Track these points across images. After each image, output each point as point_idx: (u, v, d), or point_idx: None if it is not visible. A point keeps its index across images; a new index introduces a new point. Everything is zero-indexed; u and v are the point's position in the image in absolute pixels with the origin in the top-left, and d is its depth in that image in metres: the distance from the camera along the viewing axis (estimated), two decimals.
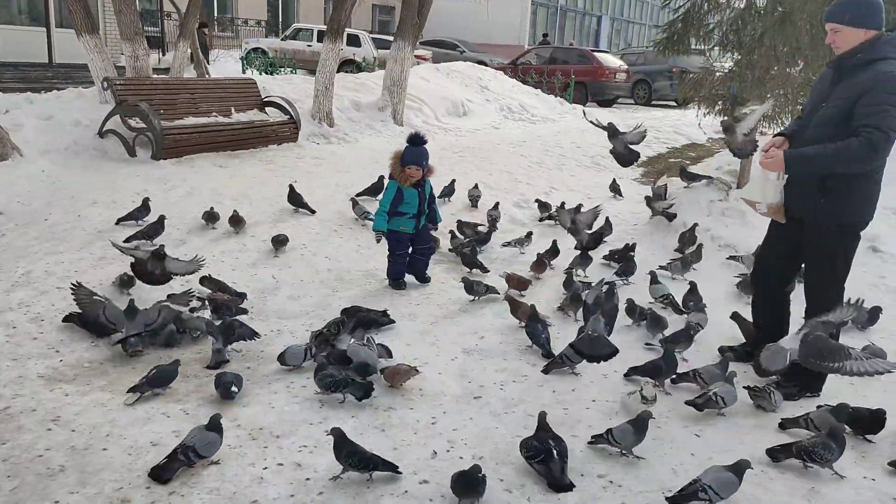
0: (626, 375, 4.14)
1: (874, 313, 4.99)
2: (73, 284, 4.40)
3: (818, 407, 3.71)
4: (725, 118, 6.60)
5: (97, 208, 6.60)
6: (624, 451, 3.33)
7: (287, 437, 3.36)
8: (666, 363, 4.00)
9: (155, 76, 10.63)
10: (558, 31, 41.47)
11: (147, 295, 4.81)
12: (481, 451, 3.34)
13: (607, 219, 7.10)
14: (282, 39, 24.54)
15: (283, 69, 17.64)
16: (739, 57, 7.20)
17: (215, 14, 27.66)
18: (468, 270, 5.88)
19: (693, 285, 5.26)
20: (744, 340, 4.60)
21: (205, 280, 5.06)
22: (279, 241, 5.95)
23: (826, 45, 3.89)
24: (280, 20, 32.08)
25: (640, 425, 3.29)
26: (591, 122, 6.04)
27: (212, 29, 24.51)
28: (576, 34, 44.00)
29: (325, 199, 7.51)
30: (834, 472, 3.25)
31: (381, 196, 5.59)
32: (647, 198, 7.42)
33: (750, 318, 4.60)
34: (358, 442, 3.33)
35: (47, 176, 7.28)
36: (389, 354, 4.19)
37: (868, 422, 3.55)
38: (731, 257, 6.15)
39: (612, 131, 5.91)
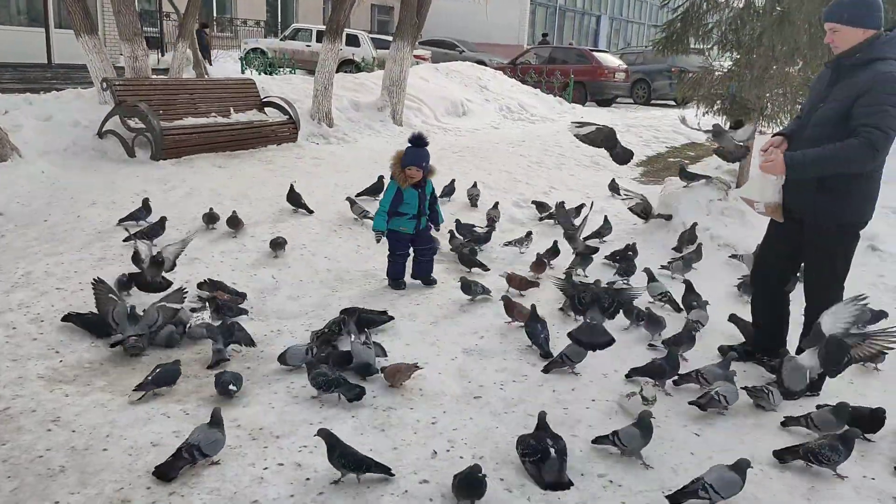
0: (627, 376, 4.13)
1: (878, 316, 4.98)
2: (94, 280, 4.41)
3: (818, 406, 3.71)
4: (716, 123, 6.65)
5: (96, 209, 6.61)
6: (631, 455, 3.30)
7: (287, 438, 3.36)
8: (668, 364, 4.00)
9: (154, 77, 10.64)
10: (557, 31, 41.49)
11: (146, 296, 4.81)
12: (481, 451, 3.34)
13: (606, 218, 7.11)
14: (281, 40, 24.56)
15: (282, 69, 17.65)
16: (738, 56, 7.20)
17: (214, 14, 27.66)
18: (467, 270, 5.89)
19: (689, 284, 5.26)
20: (743, 340, 4.60)
21: (203, 284, 5.05)
22: (277, 244, 5.89)
23: (824, 45, 3.89)
24: (279, 20, 32.10)
25: (645, 427, 3.28)
26: (579, 136, 6.09)
27: (211, 29, 24.50)
28: (575, 34, 44.03)
29: (325, 199, 7.51)
30: (835, 472, 3.25)
31: (381, 196, 5.59)
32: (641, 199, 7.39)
33: (747, 319, 4.60)
34: (358, 442, 3.34)
35: (47, 177, 7.28)
36: (384, 353, 4.19)
37: (868, 421, 3.55)
38: (733, 256, 6.15)
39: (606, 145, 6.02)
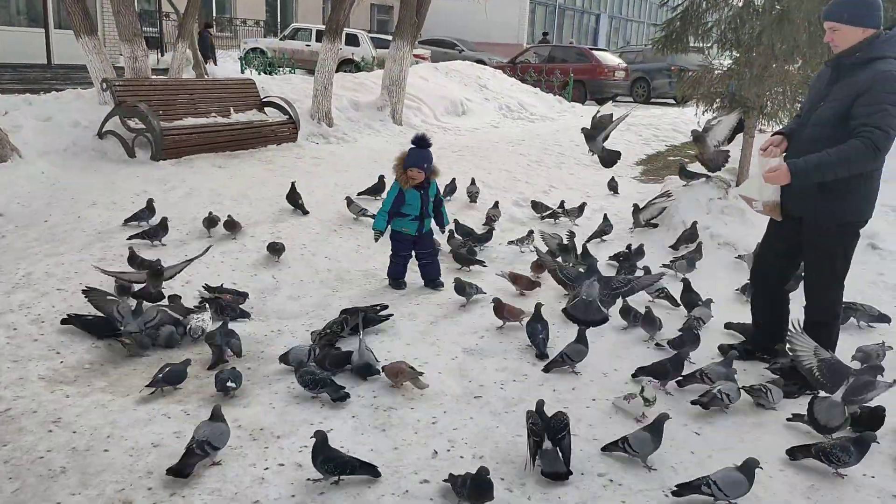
0: (634, 375, 4.13)
1: (881, 319, 4.99)
2: (85, 289, 4.44)
3: None
4: (695, 129, 6.73)
5: (97, 209, 6.61)
6: (645, 463, 3.29)
7: (288, 438, 3.37)
8: (672, 365, 4.00)
9: (154, 77, 10.64)
10: (557, 30, 41.47)
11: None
12: (482, 451, 3.35)
13: (605, 216, 7.12)
14: (280, 39, 24.54)
15: (281, 69, 17.64)
16: (738, 55, 7.20)
17: (214, 14, 27.64)
18: (466, 269, 5.90)
19: (687, 282, 5.27)
20: (743, 339, 4.61)
21: (209, 289, 5.05)
22: (275, 249, 5.80)
23: (824, 44, 3.89)
24: (279, 20, 32.08)
25: (657, 431, 3.26)
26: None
27: (215, 29, 24.49)
28: (574, 32, 44.02)
29: (325, 198, 7.52)
30: (835, 471, 3.25)
31: (382, 196, 5.59)
32: (634, 206, 7.36)
33: (744, 320, 4.62)
34: (359, 442, 3.35)
35: (47, 177, 7.28)
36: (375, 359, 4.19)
37: (867, 419, 3.55)
38: (739, 257, 6.12)
39: (588, 135, 6.00)
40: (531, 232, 6.68)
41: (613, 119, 6.09)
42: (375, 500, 2.97)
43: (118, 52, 10.42)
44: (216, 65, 19.01)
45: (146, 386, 3.73)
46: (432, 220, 5.51)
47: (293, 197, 7.07)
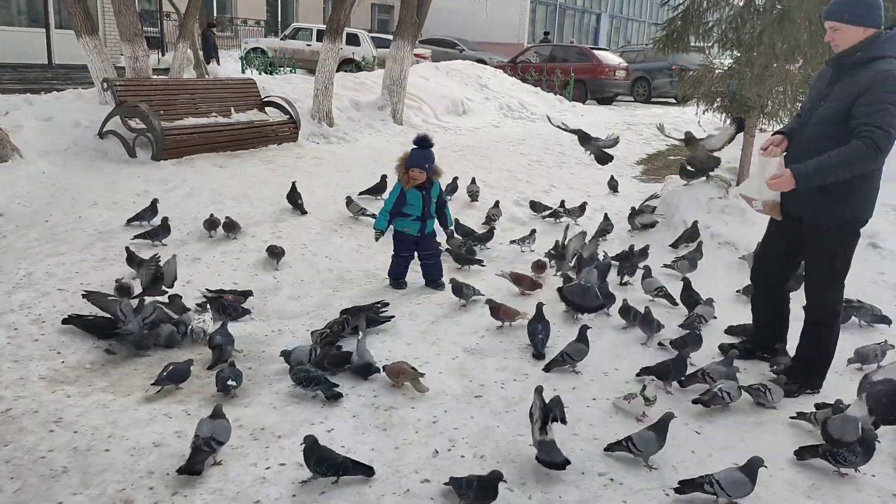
0: (638, 375, 4.13)
1: (881, 320, 4.99)
2: (84, 293, 4.49)
3: (817, 406, 3.72)
4: (688, 131, 6.83)
5: (98, 209, 6.61)
6: (647, 462, 3.28)
7: (289, 437, 3.37)
8: (674, 366, 4.00)
9: (155, 77, 10.63)
10: (557, 29, 41.46)
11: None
12: (482, 450, 3.35)
13: (606, 216, 7.12)
14: (281, 39, 24.55)
15: (282, 69, 17.65)
16: (739, 54, 7.20)
17: (215, 14, 27.65)
18: (463, 268, 5.92)
19: (687, 282, 5.27)
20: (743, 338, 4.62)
21: (211, 292, 5.03)
22: (275, 253, 5.69)
23: (825, 43, 3.89)
24: (279, 20, 32.07)
25: (662, 430, 3.26)
26: (558, 126, 6.17)
27: (219, 29, 24.48)
28: (575, 32, 44.01)
29: (325, 198, 7.52)
30: (837, 471, 3.25)
31: (384, 195, 5.59)
32: (631, 209, 7.35)
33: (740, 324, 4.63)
34: (359, 441, 3.35)
35: (47, 177, 7.28)
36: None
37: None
38: (743, 258, 6.10)
39: (582, 137, 6.06)
40: (534, 231, 6.68)
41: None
42: (376, 500, 2.97)
43: (119, 52, 10.42)
44: (219, 64, 19.00)
45: (151, 384, 3.74)
46: (435, 221, 5.51)
47: (293, 196, 7.08)
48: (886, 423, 3.37)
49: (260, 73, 16.47)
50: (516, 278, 5.45)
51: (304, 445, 3.03)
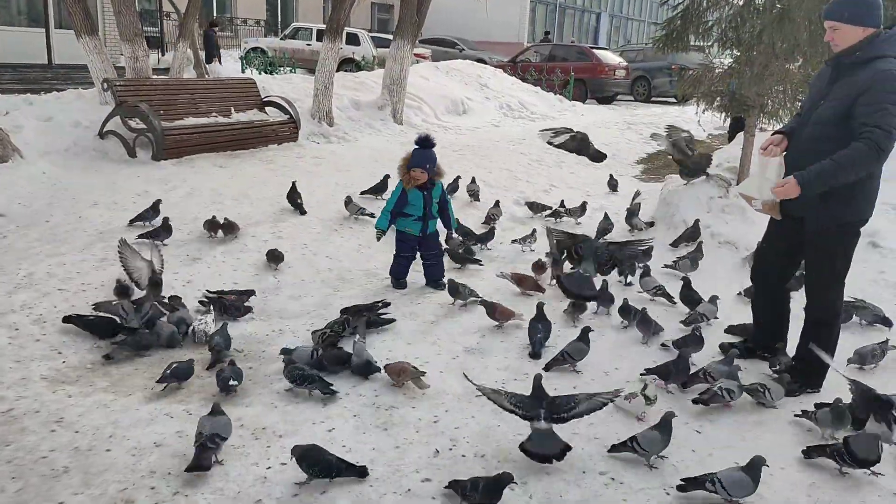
0: (641, 375, 4.13)
1: (885, 322, 5.00)
2: (94, 305, 4.57)
3: (817, 405, 3.72)
4: (686, 134, 6.98)
5: (98, 209, 6.62)
6: (660, 456, 3.28)
7: (290, 437, 3.37)
8: (676, 367, 3.99)
9: (155, 77, 10.63)
10: (557, 29, 41.47)
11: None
12: (483, 450, 3.36)
13: (606, 215, 7.12)
14: (281, 39, 24.56)
15: (282, 68, 17.65)
16: (738, 54, 7.20)
17: (215, 14, 27.65)
18: (460, 267, 5.93)
19: (687, 281, 5.27)
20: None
21: (212, 293, 5.02)
22: (275, 257, 5.62)
23: (825, 42, 3.89)
24: (279, 19, 32.08)
25: (666, 429, 3.26)
26: (554, 144, 6.27)
27: (221, 28, 24.46)
28: (575, 31, 44.02)
29: (326, 198, 7.52)
30: (840, 471, 3.25)
31: (385, 195, 5.59)
32: (628, 210, 7.36)
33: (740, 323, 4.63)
34: (360, 441, 3.36)
35: (48, 177, 7.29)
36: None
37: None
38: (746, 259, 6.10)
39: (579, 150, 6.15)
40: (534, 231, 6.69)
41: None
42: (378, 499, 2.98)
43: (119, 51, 10.41)
44: (221, 63, 18.98)
45: (157, 381, 3.76)
46: (438, 222, 5.51)
47: (293, 196, 7.09)
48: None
49: (260, 73, 16.46)
50: (518, 279, 5.45)
51: (296, 455, 3.00)
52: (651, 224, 7.09)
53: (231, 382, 3.70)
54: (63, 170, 7.59)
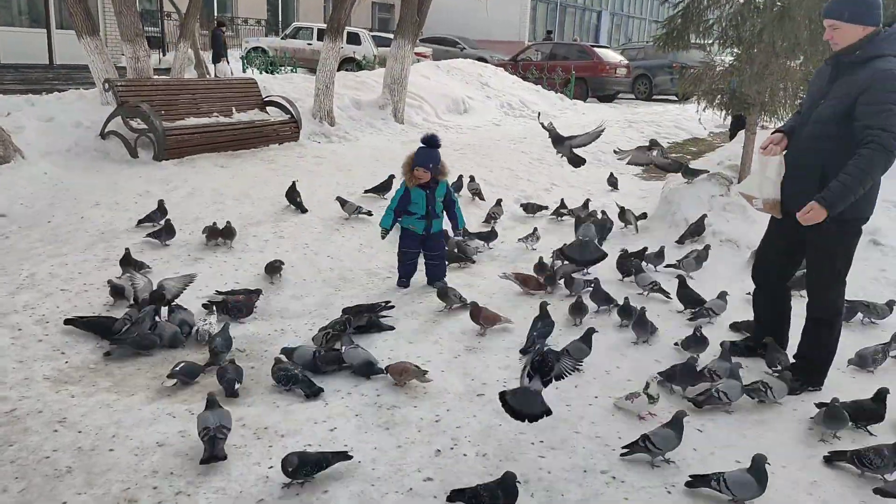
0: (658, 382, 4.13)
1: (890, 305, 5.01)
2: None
3: (817, 405, 3.73)
4: (653, 139, 7.08)
5: (100, 210, 6.63)
6: (664, 459, 3.28)
7: (292, 437, 3.38)
8: (680, 369, 3.98)
9: (156, 77, 10.65)
10: (558, 27, 41.46)
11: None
12: (485, 448, 3.36)
13: (604, 213, 7.12)
14: (282, 38, 24.55)
15: (283, 68, 17.65)
16: (739, 52, 7.20)
17: (215, 13, 27.66)
18: (464, 266, 5.94)
19: (682, 279, 5.26)
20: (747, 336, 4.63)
21: (221, 293, 5.02)
22: (274, 269, 5.46)
23: (825, 41, 3.88)
24: (280, 19, 32.08)
25: (679, 427, 3.26)
26: (542, 124, 6.32)
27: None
28: (576, 29, 43.99)
29: (327, 197, 7.52)
30: (882, 478, 3.22)
31: (390, 194, 5.58)
32: (620, 209, 7.36)
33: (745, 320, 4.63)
34: (362, 440, 3.37)
35: (49, 178, 7.30)
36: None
37: (868, 413, 3.57)
38: (750, 258, 6.10)
39: (555, 138, 6.13)
40: (536, 229, 6.69)
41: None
42: (380, 498, 2.98)
43: (120, 52, 10.41)
44: (228, 63, 18.96)
45: (168, 377, 3.80)
46: (443, 221, 5.51)
47: (292, 195, 7.11)
48: None
49: (261, 73, 16.47)
50: (523, 279, 5.44)
51: (289, 469, 2.98)
52: (643, 216, 7.09)
53: (237, 387, 3.73)
54: (64, 170, 7.60)
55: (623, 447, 3.34)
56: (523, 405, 3.16)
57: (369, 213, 6.97)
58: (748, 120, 7.37)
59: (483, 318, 4.67)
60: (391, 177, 7.55)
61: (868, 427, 3.60)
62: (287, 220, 6.81)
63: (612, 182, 9.25)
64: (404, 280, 5.51)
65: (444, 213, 5.47)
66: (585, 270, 5.78)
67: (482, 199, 7.99)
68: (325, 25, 13.47)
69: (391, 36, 14.45)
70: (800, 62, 7.09)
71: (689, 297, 5.13)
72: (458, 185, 7.98)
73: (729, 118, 8.79)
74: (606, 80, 22.14)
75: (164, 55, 21.00)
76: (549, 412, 3.18)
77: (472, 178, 8.22)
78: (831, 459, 3.34)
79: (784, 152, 3.93)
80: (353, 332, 4.39)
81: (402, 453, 3.30)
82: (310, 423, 3.52)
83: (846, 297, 4.15)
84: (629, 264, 5.71)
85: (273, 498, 2.95)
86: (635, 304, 4.89)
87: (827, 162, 3.70)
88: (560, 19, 42.65)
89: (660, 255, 5.96)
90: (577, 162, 6.65)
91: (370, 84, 13.50)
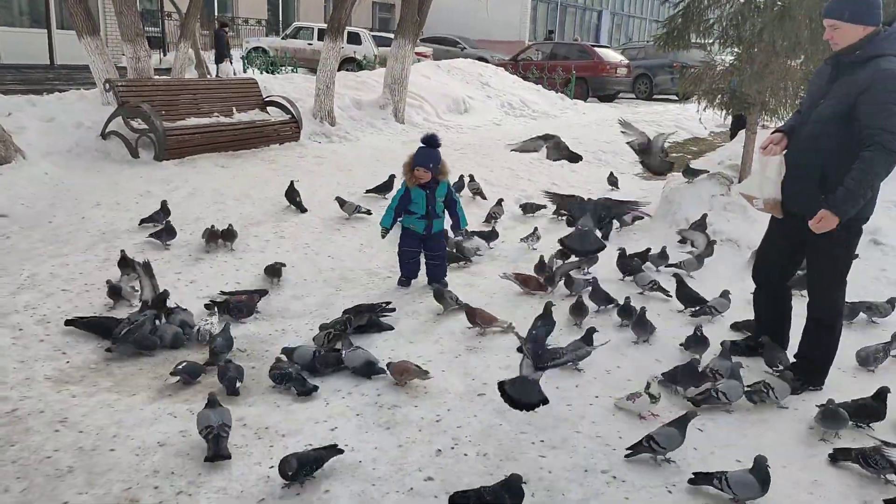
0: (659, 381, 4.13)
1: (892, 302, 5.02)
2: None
3: (818, 406, 3.73)
4: (634, 139, 7.41)
5: (100, 210, 6.63)
6: (666, 458, 3.28)
7: (293, 436, 3.39)
8: (682, 370, 3.98)
9: (156, 77, 10.65)
10: (559, 27, 41.46)
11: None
12: (485, 448, 3.36)
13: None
14: (282, 38, 24.56)
15: (284, 68, 17.66)
16: (739, 51, 7.20)
17: (216, 13, 27.67)
18: (464, 265, 5.95)
19: (679, 279, 5.26)
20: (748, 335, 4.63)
21: (225, 294, 5.01)
22: (274, 271, 5.40)
23: (825, 40, 3.88)
24: (280, 19, 32.10)
25: (683, 427, 3.26)
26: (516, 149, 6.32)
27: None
28: (576, 29, 44.00)
29: (327, 197, 7.53)
30: (883, 477, 3.22)
31: (391, 194, 5.58)
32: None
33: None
34: (363, 440, 3.37)
35: (50, 178, 7.31)
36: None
37: (869, 412, 3.58)
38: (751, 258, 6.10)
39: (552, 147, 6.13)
40: (536, 228, 6.70)
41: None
42: (381, 497, 2.99)
43: (121, 52, 10.42)
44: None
45: (171, 374, 3.83)
46: (444, 222, 5.51)
47: (291, 194, 7.12)
48: None
49: (261, 73, 16.48)
50: (522, 279, 5.44)
51: (288, 472, 2.99)
52: (640, 217, 7.11)
53: (238, 385, 3.74)
54: (65, 170, 7.61)
55: (627, 448, 3.33)
56: (521, 394, 3.16)
57: (368, 212, 6.98)
58: (748, 119, 7.37)
59: (479, 318, 4.67)
60: (392, 177, 7.55)
61: (869, 425, 3.60)
62: (288, 220, 6.81)
63: (613, 181, 9.26)
64: (405, 280, 5.51)
65: (447, 212, 5.47)
66: (585, 270, 5.79)
67: (484, 198, 8.01)
68: (326, 25, 13.47)
69: (392, 36, 14.45)
70: (800, 61, 7.09)
71: (688, 297, 5.14)
72: (459, 184, 7.99)
73: (729, 118, 8.80)
74: (607, 80, 22.15)
75: (164, 55, 21.01)
76: (546, 401, 3.18)
77: (471, 178, 8.23)
78: (836, 458, 3.34)
79: (784, 152, 3.93)
80: (353, 332, 4.40)
81: (403, 453, 3.30)
82: (310, 422, 3.52)
83: (849, 300, 4.14)
84: (629, 263, 5.72)
85: (274, 498, 2.96)
86: (636, 303, 4.89)
87: (827, 162, 3.70)
88: (560, 19, 42.66)
89: (663, 256, 5.95)
90: (573, 158, 6.79)
91: (371, 84, 13.51)
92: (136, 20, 9.66)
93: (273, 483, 3.04)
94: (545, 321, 4.46)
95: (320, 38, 17.65)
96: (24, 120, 8.29)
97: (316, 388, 3.79)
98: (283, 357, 4.00)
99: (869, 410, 3.58)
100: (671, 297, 5.29)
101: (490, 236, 6.58)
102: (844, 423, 3.50)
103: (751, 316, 4.62)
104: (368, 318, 4.59)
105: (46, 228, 6.12)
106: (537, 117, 15.87)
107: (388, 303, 4.92)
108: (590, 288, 5.20)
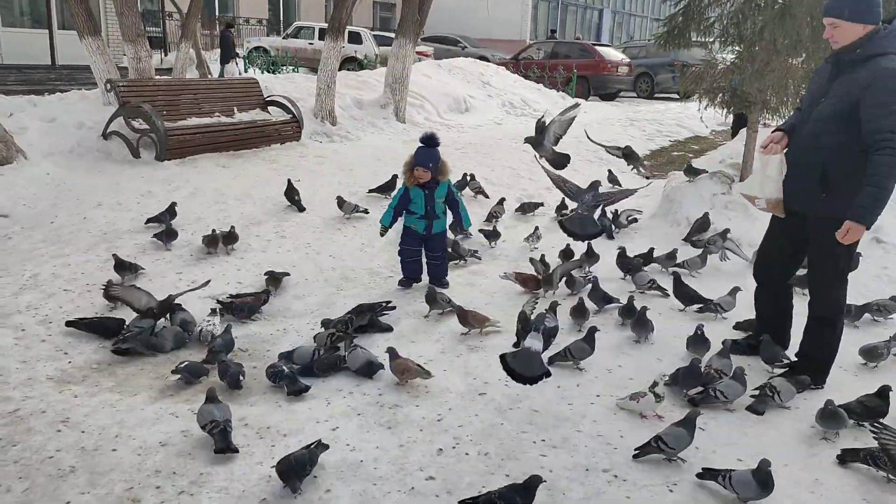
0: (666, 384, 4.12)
1: None
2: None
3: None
4: (627, 145, 7.06)
5: (102, 210, 6.64)
6: (675, 458, 3.28)
7: (294, 436, 3.39)
8: (683, 371, 3.98)
9: (158, 77, 10.65)
10: (560, 26, 41.43)
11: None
12: (487, 448, 3.37)
13: (604, 212, 7.12)
14: (283, 38, 24.57)
15: (284, 68, 17.66)
16: (740, 50, 7.20)
17: (216, 13, 27.69)
18: (464, 263, 5.98)
19: (677, 277, 5.25)
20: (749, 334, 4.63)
21: (231, 296, 5.01)
22: (275, 279, 5.31)
23: (826, 39, 3.88)
24: (281, 18, 32.10)
25: (691, 426, 3.26)
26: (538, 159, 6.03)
27: (210, 28, 24.49)
28: (577, 28, 43.98)
29: (328, 197, 7.53)
30: (889, 480, 3.22)
31: (393, 193, 5.59)
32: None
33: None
34: (364, 440, 3.38)
35: (52, 178, 7.31)
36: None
37: (872, 410, 3.57)
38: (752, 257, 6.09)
39: (534, 143, 5.95)
40: (537, 228, 6.70)
41: (556, 120, 6.00)
42: (382, 497, 2.99)
43: (122, 52, 10.43)
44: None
45: (172, 372, 3.85)
46: (446, 222, 5.51)
47: (290, 193, 7.12)
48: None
49: (262, 73, 16.48)
50: (522, 279, 5.44)
51: (286, 475, 2.99)
52: (634, 220, 7.12)
53: (241, 379, 3.76)
54: (67, 171, 7.61)
55: (635, 449, 3.33)
56: (524, 367, 3.14)
57: (366, 211, 6.99)
58: (749, 118, 7.37)
59: (472, 319, 4.66)
60: (395, 176, 7.55)
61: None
62: (289, 220, 6.82)
63: (613, 180, 9.23)
64: (407, 281, 5.51)
65: (449, 212, 5.47)
66: (585, 269, 5.79)
67: (486, 196, 8.01)
68: (327, 25, 13.47)
69: (392, 35, 14.43)
70: (801, 60, 7.08)
71: (685, 295, 5.13)
72: (461, 183, 7.99)
73: (731, 116, 8.79)
74: (608, 79, 22.11)
75: (165, 55, 21.03)
76: (548, 374, 3.16)
77: (472, 177, 8.23)
78: (845, 459, 3.33)
79: (785, 151, 3.92)
80: (355, 331, 4.40)
81: (404, 452, 3.30)
82: (312, 422, 3.52)
83: (855, 302, 4.13)
84: (629, 263, 5.72)
85: (275, 497, 2.96)
86: (636, 303, 4.89)
87: (827, 160, 3.70)
88: (561, 18, 42.65)
89: (671, 257, 5.91)
90: (560, 163, 5.78)
91: (372, 83, 13.50)
92: (138, 20, 9.67)
93: (274, 482, 3.04)
94: (545, 322, 4.47)
95: (321, 38, 17.66)
96: (26, 120, 8.29)
97: (307, 387, 3.79)
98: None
99: (872, 410, 3.57)
100: (668, 294, 5.28)
101: (491, 235, 6.58)
102: (844, 422, 3.50)
103: (752, 314, 4.62)
104: (369, 318, 4.60)
105: (48, 229, 6.13)
106: (538, 116, 15.84)
107: (388, 302, 4.93)
108: (590, 286, 5.21)
